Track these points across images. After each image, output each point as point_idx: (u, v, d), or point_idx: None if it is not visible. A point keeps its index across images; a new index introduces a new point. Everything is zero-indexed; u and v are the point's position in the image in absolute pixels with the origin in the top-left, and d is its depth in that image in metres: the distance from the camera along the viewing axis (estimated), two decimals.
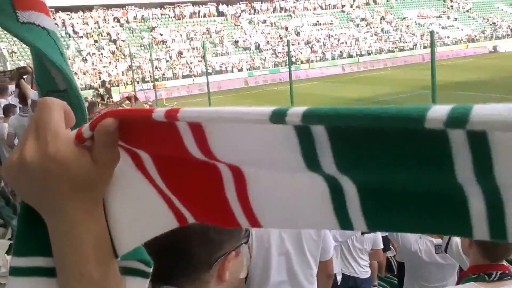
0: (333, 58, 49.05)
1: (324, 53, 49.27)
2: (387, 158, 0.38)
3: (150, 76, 33.99)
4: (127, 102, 12.64)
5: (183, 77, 41.67)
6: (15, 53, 39.73)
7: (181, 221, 0.61)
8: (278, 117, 0.40)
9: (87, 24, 44.29)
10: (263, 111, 0.41)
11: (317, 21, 53.44)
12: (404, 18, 57.48)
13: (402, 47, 52.67)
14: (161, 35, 45.49)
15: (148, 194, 0.59)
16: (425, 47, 48.84)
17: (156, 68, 39.42)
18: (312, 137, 0.40)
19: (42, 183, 0.52)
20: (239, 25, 49.75)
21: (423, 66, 34.71)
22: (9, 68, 35.58)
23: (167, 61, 43.08)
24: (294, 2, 53.67)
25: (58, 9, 43.47)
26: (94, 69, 40.26)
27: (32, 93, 6.18)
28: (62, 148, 0.51)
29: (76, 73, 39.34)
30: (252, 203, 0.52)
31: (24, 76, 7.79)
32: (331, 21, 54.01)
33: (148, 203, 0.60)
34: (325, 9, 55.45)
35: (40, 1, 0.78)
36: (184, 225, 0.61)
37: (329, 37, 51.47)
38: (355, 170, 0.41)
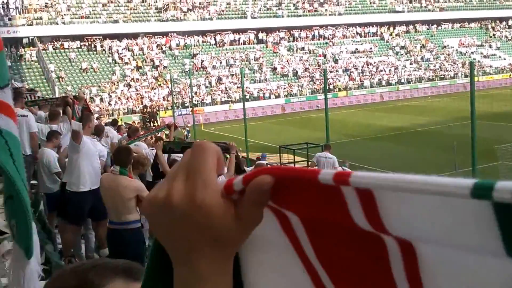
0: (371, 86, 48.92)
1: (362, 81, 49.21)
2: None
3: (190, 101, 34.80)
4: (166, 129, 12.89)
5: (222, 103, 42.44)
6: (62, 78, 41.46)
7: None
8: (482, 191, 0.34)
9: (132, 51, 45.90)
10: (461, 184, 0.36)
11: (356, 48, 53.57)
12: (445, 47, 56.92)
13: (442, 76, 52.03)
14: (202, 61, 46.60)
15: (290, 263, 0.54)
16: (466, 76, 48.09)
17: (196, 93, 40.30)
18: None
19: (181, 228, 0.50)
20: (277, 53, 50.44)
21: (464, 95, 34.23)
22: (57, 92, 37.15)
23: (206, 87, 44.01)
24: (333, 30, 54.09)
25: (105, 36, 45.32)
26: (137, 94, 41.53)
27: (74, 124, 6.50)
28: (209, 198, 0.49)
29: (119, 98, 40.66)
30: (426, 285, 0.45)
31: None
32: (370, 48, 54.03)
33: (288, 273, 0.54)
34: (364, 37, 55.58)
35: (4, 102, 0.85)
36: None
37: (367, 65, 51.44)
38: None
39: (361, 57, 52.60)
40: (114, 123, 15.32)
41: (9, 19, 42.96)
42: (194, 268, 0.51)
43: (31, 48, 43.97)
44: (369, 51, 53.80)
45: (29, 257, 0.96)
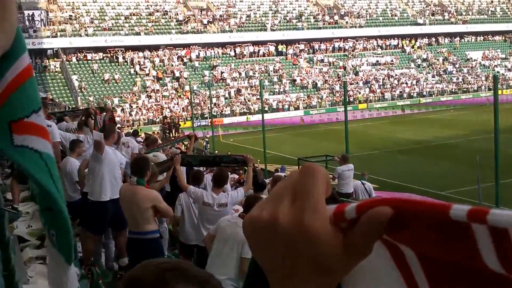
0: (392, 99, 48.58)
1: (383, 93, 48.89)
2: None
3: (209, 112, 34.95)
4: (187, 139, 12.77)
5: (240, 114, 42.57)
6: (85, 88, 42.04)
7: None
8: None
9: (153, 63, 46.39)
10: None
11: (377, 61, 53.30)
12: (468, 60, 56.27)
13: (465, 89, 51.42)
14: (222, 73, 46.85)
15: None
16: (489, 89, 47.45)
17: (215, 105, 40.46)
18: None
19: (284, 252, 0.48)
20: (297, 64, 50.46)
21: (487, 109, 33.68)
22: (79, 102, 37.70)
23: (225, 98, 44.20)
24: (353, 42, 53.94)
25: (127, 48, 45.91)
26: (157, 104, 41.89)
27: (95, 134, 6.64)
28: (318, 224, 0.47)
29: (140, 109, 41.06)
30: None
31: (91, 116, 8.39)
32: (392, 61, 53.70)
33: None
34: (386, 49, 55.27)
35: (38, 125, 0.90)
36: None
37: (388, 77, 51.12)
38: None
39: (382, 70, 52.30)
40: (134, 134, 15.44)
41: (34, 31, 43.81)
42: None
43: (55, 59, 44.77)
44: (390, 64, 53.47)
45: (70, 263, 1.06)
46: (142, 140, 13.81)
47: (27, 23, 43.83)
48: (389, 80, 50.80)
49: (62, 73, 43.62)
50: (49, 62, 44.07)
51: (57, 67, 43.98)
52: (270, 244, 0.49)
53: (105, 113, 9.46)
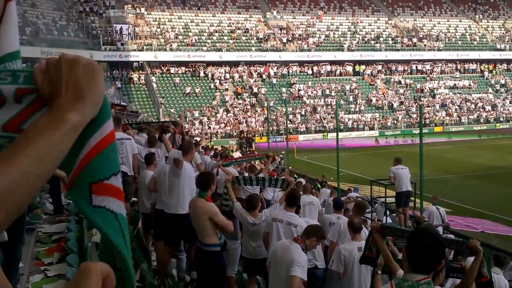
0: (469, 123, 47.71)
1: (459, 117, 48.07)
2: None
3: (285, 129, 35.93)
4: (265, 158, 12.34)
5: (315, 132, 43.35)
6: (167, 101, 44.29)
7: None
8: None
9: (232, 78, 48.23)
10: None
11: (455, 84, 52.47)
12: None
13: None
14: (299, 90, 47.90)
15: None
16: None
17: (290, 121, 41.45)
18: None
19: None
20: (373, 85, 50.65)
21: None
22: (161, 114, 39.81)
23: (301, 115, 45.15)
24: (431, 65, 53.42)
25: (209, 63, 48.04)
26: (235, 119, 43.49)
27: (175, 152, 6.88)
28: None
29: (218, 122, 42.82)
30: None
31: (167, 134, 8.47)
32: (469, 85, 52.68)
33: None
34: (464, 73, 54.29)
35: (116, 187, 0.95)
36: None
37: (466, 101, 50.20)
38: None
39: (459, 93, 51.45)
40: (196, 145, 16.09)
41: (122, 44, 45.95)
42: None
43: (140, 72, 47.07)
44: (468, 88, 52.50)
45: None
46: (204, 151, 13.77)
47: (115, 36, 46.63)
48: (466, 104, 49.91)
49: (146, 86, 46.03)
50: (134, 74, 46.35)
51: (141, 80, 46.17)
52: None
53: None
